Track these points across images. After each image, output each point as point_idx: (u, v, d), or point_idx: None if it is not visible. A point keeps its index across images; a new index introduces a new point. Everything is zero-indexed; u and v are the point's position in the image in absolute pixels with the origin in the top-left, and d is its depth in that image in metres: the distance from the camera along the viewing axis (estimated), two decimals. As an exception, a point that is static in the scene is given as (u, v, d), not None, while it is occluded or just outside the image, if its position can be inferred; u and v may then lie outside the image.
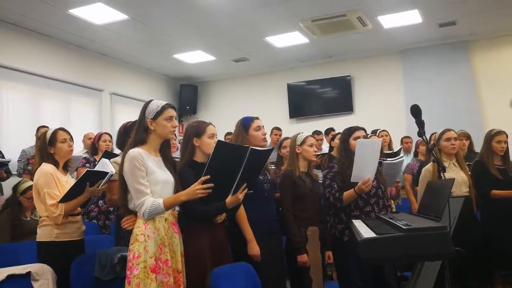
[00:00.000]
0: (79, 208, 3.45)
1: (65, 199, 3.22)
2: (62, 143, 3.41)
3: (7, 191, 5.28)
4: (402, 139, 7.31)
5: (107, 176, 3.33)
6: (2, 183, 5.64)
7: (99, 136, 5.48)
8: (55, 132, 3.44)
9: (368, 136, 4.33)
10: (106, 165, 3.40)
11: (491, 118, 8.34)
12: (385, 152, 5.31)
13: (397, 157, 4.76)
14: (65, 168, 3.52)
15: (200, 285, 2.80)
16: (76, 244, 3.37)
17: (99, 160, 3.86)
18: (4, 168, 5.43)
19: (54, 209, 3.21)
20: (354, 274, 3.63)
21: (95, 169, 3.41)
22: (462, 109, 8.42)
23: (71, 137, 3.52)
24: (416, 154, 6.53)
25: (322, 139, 7.36)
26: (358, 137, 3.78)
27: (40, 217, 3.35)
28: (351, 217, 3.67)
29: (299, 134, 3.92)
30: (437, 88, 8.79)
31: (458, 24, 8.07)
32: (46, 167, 3.34)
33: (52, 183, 3.27)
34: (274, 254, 3.44)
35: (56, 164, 3.40)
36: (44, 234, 3.28)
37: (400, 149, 6.24)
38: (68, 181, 3.38)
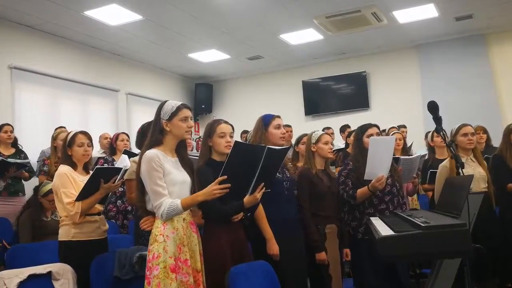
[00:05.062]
0: (99, 207, 3.50)
1: (81, 197, 3.27)
2: (78, 146, 3.47)
3: (28, 191, 5.35)
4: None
5: (121, 171, 3.35)
6: (24, 182, 5.72)
7: (117, 136, 5.53)
8: (75, 135, 3.50)
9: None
10: (123, 160, 3.44)
11: (509, 112, 8.24)
12: None
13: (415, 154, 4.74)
14: (86, 169, 3.57)
15: (220, 284, 2.81)
16: (96, 243, 3.41)
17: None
18: (25, 168, 5.50)
19: (71, 208, 3.26)
20: (368, 271, 3.65)
21: (115, 166, 3.45)
22: (480, 104, 8.31)
23: (91, 142, 3.57)
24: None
25: (333, 133, 7.34)
26: (371, 135, 3.78)
27: (61, 217, 3.41)
28: (365, 215, 3.70)
29: (314, 132, 3.94)
30: (454, 82, 8.68)
31: (474, 17, 7.97)
32: (62, 168, 3.41)
33: (67, 183, 3.33)
34: (296, 254, 3.41)
35: (74, 165, 3.46)
36: (63, 233, 3.35)
37: (411, 145, 6.19)
38: (84, 181, 3.41)
